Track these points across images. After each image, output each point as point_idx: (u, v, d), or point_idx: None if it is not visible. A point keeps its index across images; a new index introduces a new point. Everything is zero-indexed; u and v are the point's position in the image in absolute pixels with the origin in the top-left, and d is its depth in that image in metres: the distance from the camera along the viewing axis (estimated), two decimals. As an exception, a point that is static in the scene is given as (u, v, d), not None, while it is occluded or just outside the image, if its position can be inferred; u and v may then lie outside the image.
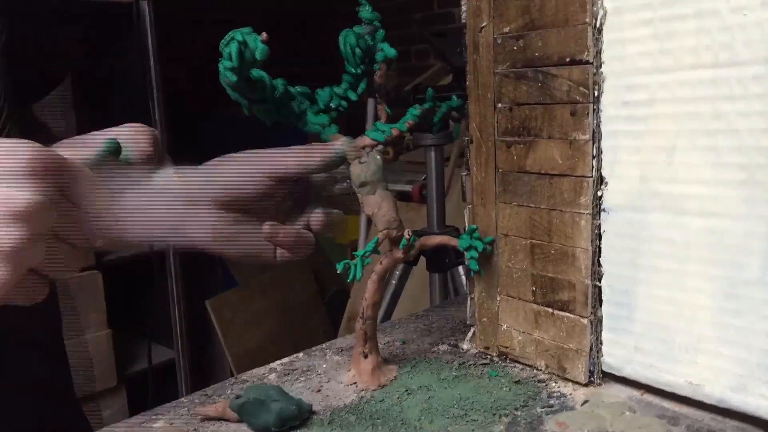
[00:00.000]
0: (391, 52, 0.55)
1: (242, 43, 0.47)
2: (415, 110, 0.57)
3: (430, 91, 0.59)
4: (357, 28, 0.54)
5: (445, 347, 0.63)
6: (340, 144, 0.53)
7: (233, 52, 0.47)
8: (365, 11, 0.54)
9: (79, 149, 0.48)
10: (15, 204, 0.35)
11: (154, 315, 1.48)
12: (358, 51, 0.54)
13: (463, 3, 0.56)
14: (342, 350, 0.64)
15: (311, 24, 3.11)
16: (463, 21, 0.56)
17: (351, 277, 0.51)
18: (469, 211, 0.59)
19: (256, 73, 0.50)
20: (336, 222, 0.56)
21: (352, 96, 0.56)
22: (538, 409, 0.49)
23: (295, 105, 0.55)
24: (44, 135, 0.58)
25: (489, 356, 0.59)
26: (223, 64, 0.48)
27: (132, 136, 0.51)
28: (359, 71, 0.55)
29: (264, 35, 0.48)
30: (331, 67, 0.58)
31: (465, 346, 0.62)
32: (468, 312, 0.62)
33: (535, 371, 0.56)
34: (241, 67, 0.48)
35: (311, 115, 0.55)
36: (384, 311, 1.41)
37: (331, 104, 0.56)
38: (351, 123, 0.63)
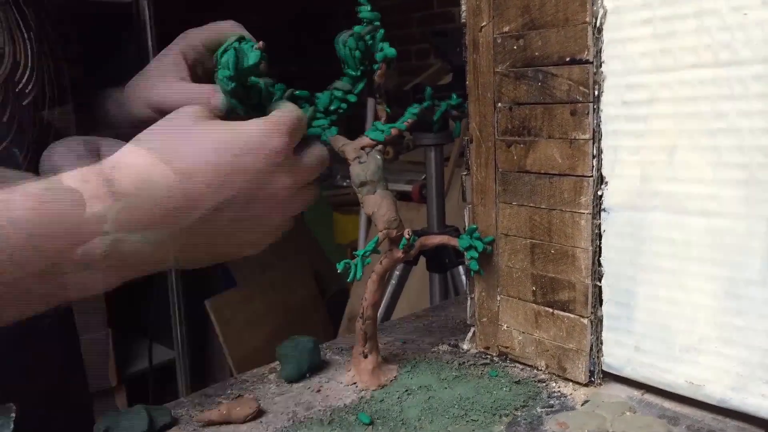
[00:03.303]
0: (391, 51, 0.55)
1: (238, 51, 0.48)
2: (414, 109, 0.57)
3: (429, 89, 0.59)
4: (356, 29, 0.54)
5: (445, 347, 0.63)
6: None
7: (230, 61, 0.48)
8: (365, 11, 0.54)
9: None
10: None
11: (154, 315, 1.48)
12: (357, 53, 0.54)
13: (462, 2, 0.56)
14: (342, 350, 0.64)
15: (312, 24, 3.11)
16: (463, 20, 0.56)
17: (351, 277, 0.51)
18: (469, 210, 0.59)
19: (253, 80, 0.50)
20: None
21: (352, 98, 0.56)
22: (539, 409, 0.49)
23: None
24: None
25: (489, 356, 0.59)
26: (221, 73, 0.48)
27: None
28: (359, 73, 0.55)
29: (260, 43, 0.49)
30: (333, 67, 0.58)
31: (465, 346, 0.62)
32: (468, 312, 0.61)
33: (535, 371, 0.55)
34: (237, 74, 0.48)
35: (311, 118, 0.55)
36: (384, 311, 1.40)
37: (330, 107, 0.56)
38: (351, 123, 0.63)
